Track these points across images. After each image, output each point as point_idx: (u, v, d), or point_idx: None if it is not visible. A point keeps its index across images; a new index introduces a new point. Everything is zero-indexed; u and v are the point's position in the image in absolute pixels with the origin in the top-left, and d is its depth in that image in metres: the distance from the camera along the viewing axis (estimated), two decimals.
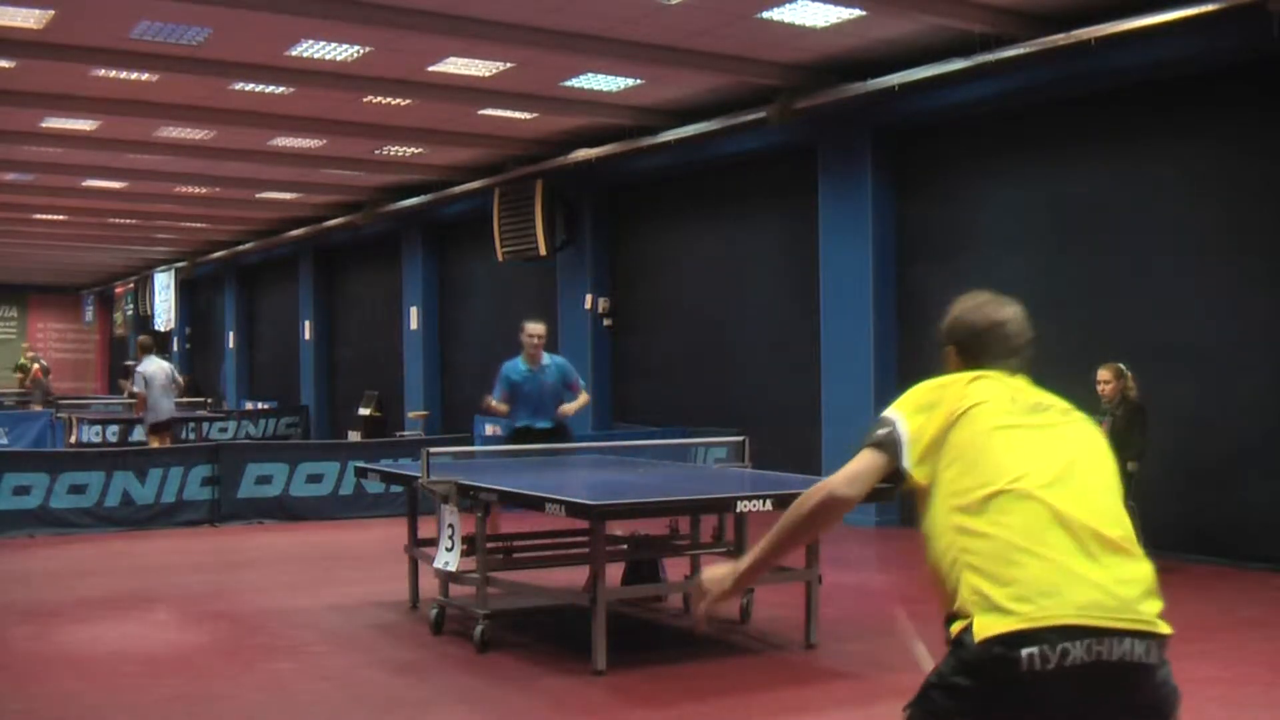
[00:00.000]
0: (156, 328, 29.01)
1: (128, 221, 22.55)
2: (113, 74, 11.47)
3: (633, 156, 14.05)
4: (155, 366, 14.35)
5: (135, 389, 14.53)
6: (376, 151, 15.66)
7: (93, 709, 5.69)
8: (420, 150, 15.57)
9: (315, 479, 12.46)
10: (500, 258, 16.58)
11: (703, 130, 12.82)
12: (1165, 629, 2.40)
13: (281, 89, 12.04)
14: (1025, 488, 2.47)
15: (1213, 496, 9.43)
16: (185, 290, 30.39)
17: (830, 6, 9.46)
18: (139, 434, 15.30)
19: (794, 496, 2.87)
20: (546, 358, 9.45)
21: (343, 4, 9.35)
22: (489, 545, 7.04)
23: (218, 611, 7.85)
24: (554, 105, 12.77)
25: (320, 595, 8.28)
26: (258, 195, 19.60)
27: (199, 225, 23.50)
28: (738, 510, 6.46)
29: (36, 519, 11.25)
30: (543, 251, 15.74)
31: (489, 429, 13.85)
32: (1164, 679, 2.39)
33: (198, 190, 18.95)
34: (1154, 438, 8.70)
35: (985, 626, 2.36)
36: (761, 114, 11.97)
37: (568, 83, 11.96)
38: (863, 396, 11.63)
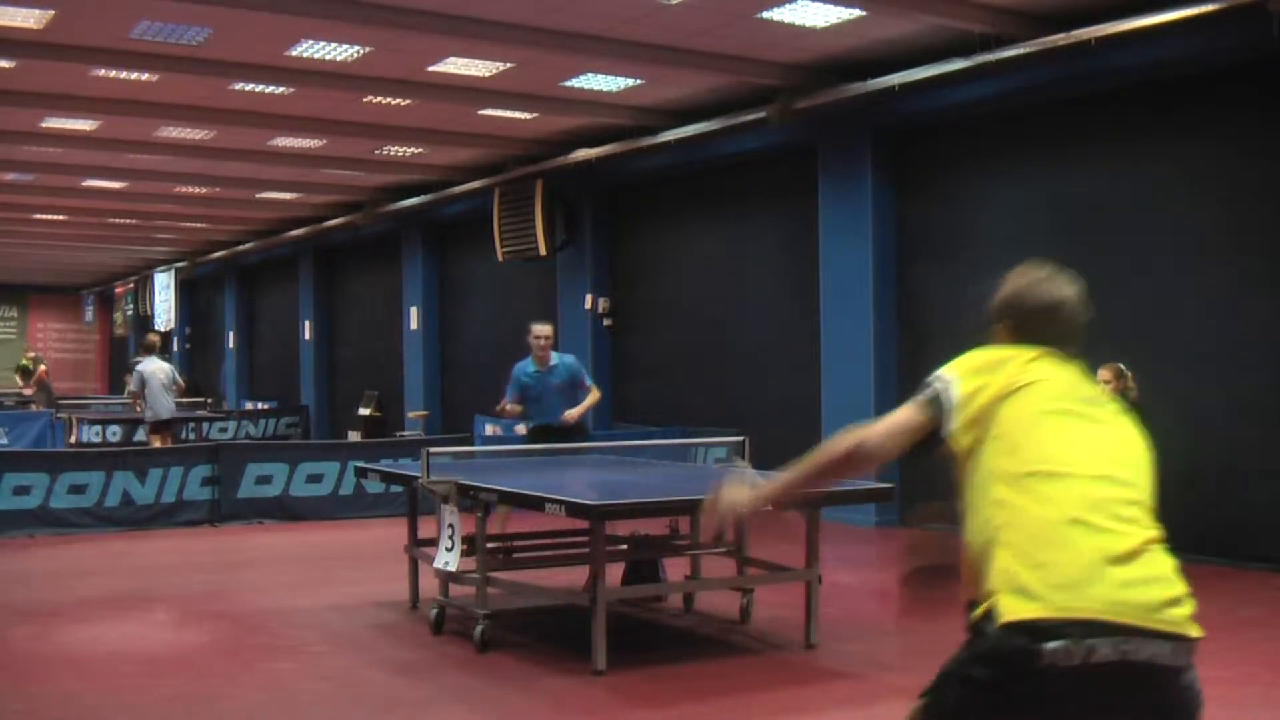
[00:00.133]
0: (157, 327, 28.98)
1: (128, 221, 22.54)
2: (113, 74, 11.46)
3: (633, 156, 14.05)
4: (155, 366, 14.48)
5: (132, 388, 14.65)
6: (376, 151, 15.66)
7: (93, 709, 5.69)
8: (420, 150, 15.57)
9: (315, 479, 12.46)
10: (500, 258, 16.58)
11: (703, 130, 12.81)
12: (1195, 632, 2.35)
13: (281, 89, 12.04)
14: (1068, 474, 2.42)
15: (1213, 496, 9.42)
16: (185, 290, 30.38)
17: (830, 6, 9.46)
18: (142, 434, 15.36)
19: None
20: (555, 357, 9.50)
21: (343, 4, 9.35)
22: (489, 545, 7.04)
23: (218, 611, 7.85)
24: (554, 105, 12.77)
25: (320, 595, 8.28)
26: (258, 195, 19.59)
27: (199, 225, 23.49)
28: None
29: (36, 519, 11.25)
30: (543, 251, 15.74)
31: (489, 429, 13.85)
32: (1189, 682, 2.35)
33: (198, 190, 18.94)
34: (1154, 437, 8.67)
35: (1009, 609, 2.28)
36: (761, 114, 11.97)
37: (568, 83, 11.96)
38: (863, 396, 11.63)
